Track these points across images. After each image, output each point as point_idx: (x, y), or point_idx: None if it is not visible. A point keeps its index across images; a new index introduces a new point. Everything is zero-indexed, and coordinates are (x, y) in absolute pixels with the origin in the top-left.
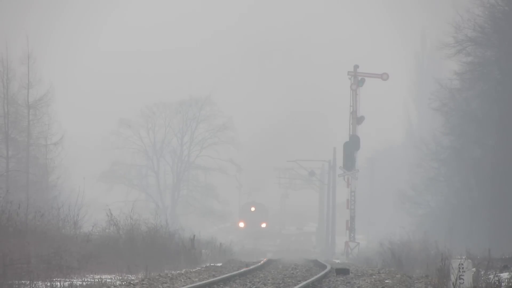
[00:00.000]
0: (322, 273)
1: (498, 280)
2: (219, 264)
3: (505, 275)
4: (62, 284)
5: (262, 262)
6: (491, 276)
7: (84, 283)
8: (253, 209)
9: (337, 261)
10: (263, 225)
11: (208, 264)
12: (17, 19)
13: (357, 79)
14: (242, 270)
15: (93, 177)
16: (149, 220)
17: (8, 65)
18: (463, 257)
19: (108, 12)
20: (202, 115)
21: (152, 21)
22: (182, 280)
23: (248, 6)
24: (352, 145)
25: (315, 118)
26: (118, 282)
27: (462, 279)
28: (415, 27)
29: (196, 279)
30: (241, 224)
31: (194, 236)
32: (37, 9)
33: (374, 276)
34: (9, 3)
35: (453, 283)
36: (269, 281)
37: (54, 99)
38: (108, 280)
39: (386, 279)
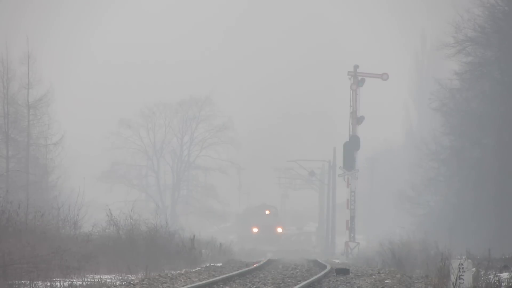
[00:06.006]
0: (322, 273)
1: (498, 280)
2: (219, 264)
3: (505, 275)
4: (62, 284)
5: (262, 262)
6: (491, 276)
7: (84, 283)
8: (267, 212)
9: (337, 261)
10: (279, 229)
11: (208, 264)
12: (14, 19)
13: (357, 79)
14: (242, 270)
15: (93, 177)
16: (149, 220)
17: (8, 65)
18: (463, 257)
19: (107, 16)
20: (202, 115)
21: (153, 28)
22: (182, 280)
23: (249, 6)
24: (352, 145)
25: (315, 118)
26: (118, 282)
27: (462, 279)
28: (415, 27)
29: (196, 279)
30: (255, 230)
31: (194, 236)
32: (36, 10)
33: (374, 276)
34: (8, 3)
35: (453, 283)
36: (269, 281)
37: (54, 99)
38: (108, 280)
39: (386, 279)
